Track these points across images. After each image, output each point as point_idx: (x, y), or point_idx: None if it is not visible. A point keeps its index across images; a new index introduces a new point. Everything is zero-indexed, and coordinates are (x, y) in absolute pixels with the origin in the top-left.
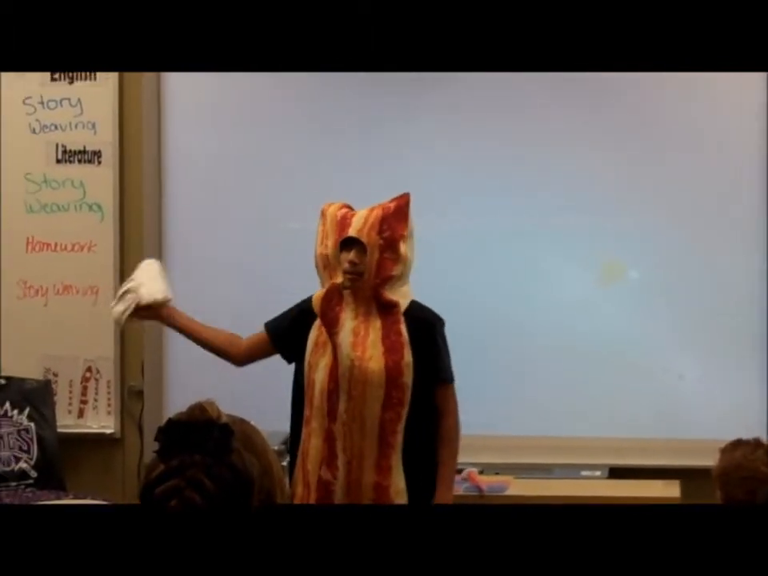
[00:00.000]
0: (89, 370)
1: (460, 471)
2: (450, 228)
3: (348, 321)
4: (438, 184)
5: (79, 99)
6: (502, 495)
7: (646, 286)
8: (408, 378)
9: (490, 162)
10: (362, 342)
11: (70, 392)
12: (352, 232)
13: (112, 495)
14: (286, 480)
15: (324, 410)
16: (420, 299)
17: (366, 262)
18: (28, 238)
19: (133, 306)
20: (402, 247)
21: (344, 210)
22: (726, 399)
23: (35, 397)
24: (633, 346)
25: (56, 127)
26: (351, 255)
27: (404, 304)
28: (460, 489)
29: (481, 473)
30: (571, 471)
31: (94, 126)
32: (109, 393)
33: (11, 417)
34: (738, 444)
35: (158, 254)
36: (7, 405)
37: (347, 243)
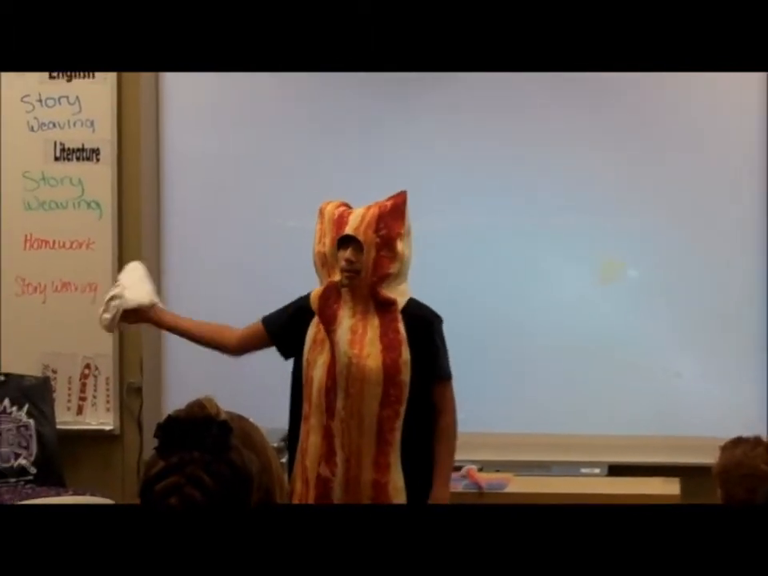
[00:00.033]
0: (87, 366)
1: (459, 468)
2: (449, 227)
3: (346, 318)
4: (438, 184)
5: (77, 97)
6: (502, 492)
7: (646, 284)
8: (406, 375)
9: (490, 162)
10: (360, 339)
11: (69, 389)
12: (349, 230)
13: (111, 492)
14: (285, 477)
15: (322, 406)
16: (420, 298)
17: (363, 260)
18: (26, 236)
19: (120, 312)
20: (399, 245)
21: (341, 209)
22: (726, 397)
23: (34, 393)
24: (632, 343)
25: (54, 125)
26: (348, 253)
27: (402, 302)
28: (459, 486)
29: (480, 470)
30: (571, 469)
31: (92, 123)
32: (108, 389)
33: (10, 413)
34: (738, 441)
35: (156, 252)
36: (6, 401)
37: (344, 241)
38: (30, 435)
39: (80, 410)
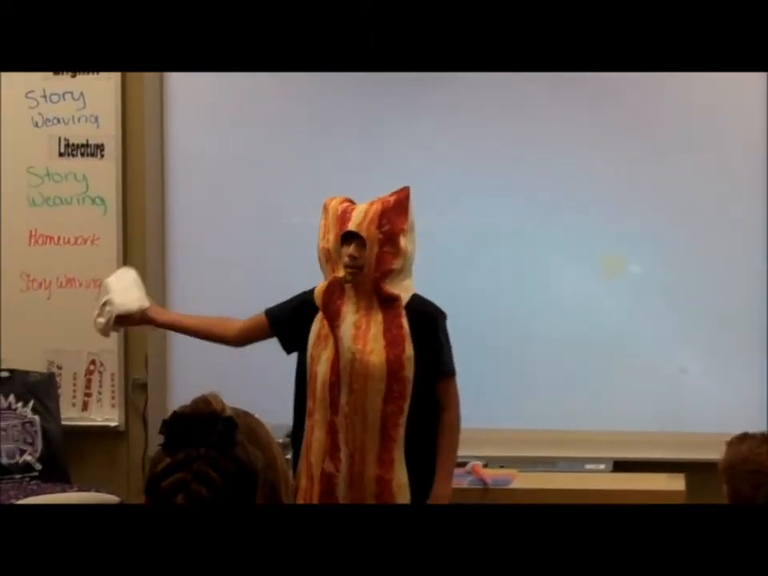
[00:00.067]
0: (92, 362)
1: (464, 464)
2: (451, 226)
3: (349, 314)
4: (439, 183)
5: (82, 93)
6: (507, 488)
7: (649, 282)
8: (409, 371)
9: (491, 162)
10: (364, 335)
11: (74, 385)
12: (351, 226)
13: (116, 488)
14: (290, 473)
15: (326, 402)
16: (425, 296)
17: (366, 256)
18: (31, 231)
19: (113, 317)
20: (402, 241)
21: (345, 204)
22: (731, 393)
23: (39, 389)
24: (637, 340)
25: (59, 121)
26: (351, 249)
27: (406, 297)
28: (464, 482)
29: (485, 466)
30: (575, 464)
31: (96, 119)
32: (113, 386)
33: (15, 409)
34: (744, 437)
35: (161, 247)
36: (11, 397)
37: (347, 237)
38: (35, 431)
39: (85, 406)
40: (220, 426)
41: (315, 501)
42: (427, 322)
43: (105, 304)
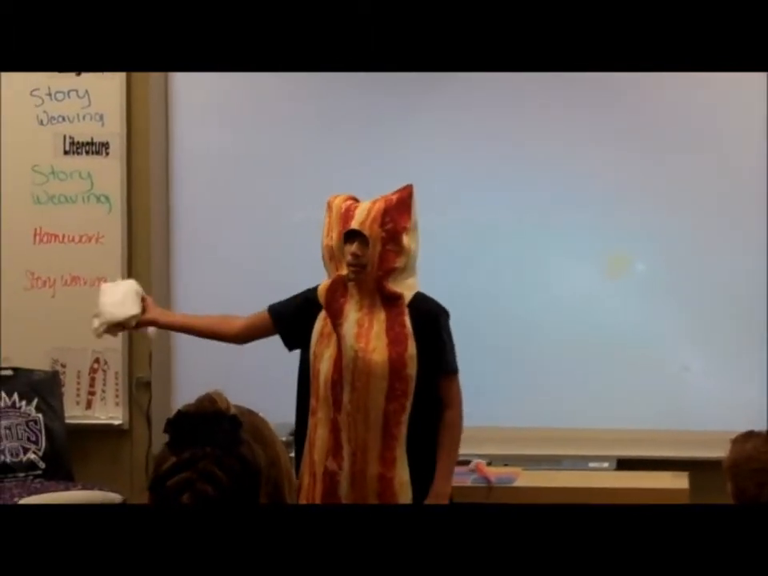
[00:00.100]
0: (96, 361)
1: (468, 462)
2: (452, 225)
3: (352, 312)
4: (440, 181)
5: (87, 91)
6: (511, 487)
7: (653, 280)
8: (412, 369)
9: (492, 161)
10: (366, 333)
11: (78, 383)
12: (354, 224)
13: (120, 486)
14: (294, 471)
15: (329, 400)
16: (428, 294)
17: (369, 254)
18: (35, 229)
19: (108, 325)
20: (405, 239)
21: (348, 202)
22: (735, 391)
23: (43, 388)
24: (640, 338)
25: (63, 119)
26: (354, 247)
27: (409, 296)
28: (468, 480)
29: (489, 464)
30: (579, 463)
31: (101, 117)
32: (117, 384)
33: (19, 408)
34: (749, 435)
35: (166, 245)
36: (15, 396)
37: (350, 235)
38: (39, 430)
39: (89, 405)
40: (225, 425)
41: (318, 499)
42: (430, 320)
43: (97, 315)
